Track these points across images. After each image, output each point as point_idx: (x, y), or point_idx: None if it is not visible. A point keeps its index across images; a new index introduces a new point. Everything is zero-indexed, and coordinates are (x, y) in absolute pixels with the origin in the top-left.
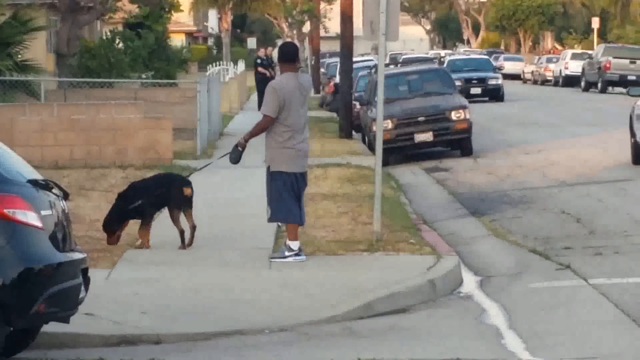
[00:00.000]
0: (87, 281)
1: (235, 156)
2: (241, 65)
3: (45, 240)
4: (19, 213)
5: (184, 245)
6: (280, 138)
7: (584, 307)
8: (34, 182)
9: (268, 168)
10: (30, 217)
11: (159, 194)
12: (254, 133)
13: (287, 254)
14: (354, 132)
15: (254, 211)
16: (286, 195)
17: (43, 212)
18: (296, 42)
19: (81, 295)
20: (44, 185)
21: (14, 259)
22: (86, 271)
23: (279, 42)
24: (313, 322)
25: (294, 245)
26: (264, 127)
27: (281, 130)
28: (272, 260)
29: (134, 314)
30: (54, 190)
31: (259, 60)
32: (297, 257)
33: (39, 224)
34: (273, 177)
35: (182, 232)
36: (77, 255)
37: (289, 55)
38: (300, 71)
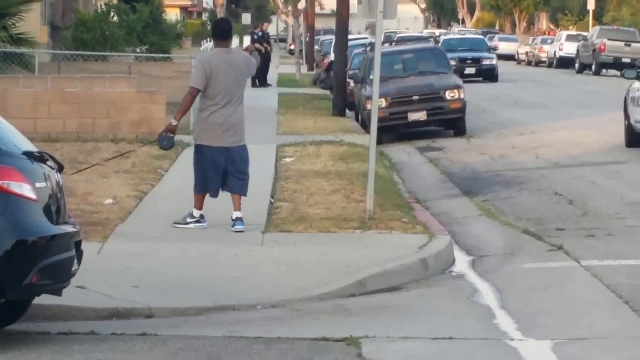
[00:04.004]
0: (80, 254)
1: (167, 142)
2: (235, 40)
3: (39, 212)
4: (13, 185)
5: None
6: (205, 113)
7: (576, 288)
8: (29, 154)
9: (195, 141)
10: (24, 189)
11: None
12: (182, 108)
13: (188, 220)
14: (347, 110)
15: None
16: (201, 167)
17: (37, 184)
18: (290, 18)
19: (74, 268)
20: (39, 158)
21: (8, 231)
22: (79, 244)
23: (274, 18)
24: (305, 299)
25: (196, 212)
26: (189, 99)
27: (207, 105)
28: (175, 225)
29: (126, 288)
30: (48, 163)
31: (255, 37)
32: (198, 224)
33: (33, 196)
34: (195, 150)
35: None
36: (71, 228)
37: (221, 32)
38: (252, 54)
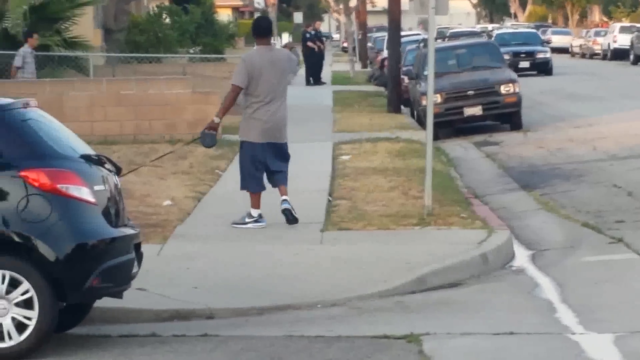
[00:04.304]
0: (139, 256)
1: (209, 139)
2: (285, 37)
3: (99, 215)
4: (72, 188)
5: None
6: (249, 110)
7: (637, 281)
8: (86, 157)
9: (239, 138)
10: (83, 193)
11: None
12: (225, 106)
13: (247, 220)
14: (402, 107)
15: (304, 186)
16: (249, 165)
17: (96, 188)
18: (342, 16)
19: (134, 271)
20: (97, 161)
21: (68, 235)
22: (139, 246)
23: (326, 17)
24: (365, 297)
25: (254, 212)
26: (232, 97)
27: (250, 102)
28: (234, 225)
29: (186, 289)
30: (106, 166)
31: (307, 35)
32: (257, 224)
33: (92, 199)
34: (240, 147)
35: None
36: (130, 231)
37: (261, 30)
38: (292, 51)
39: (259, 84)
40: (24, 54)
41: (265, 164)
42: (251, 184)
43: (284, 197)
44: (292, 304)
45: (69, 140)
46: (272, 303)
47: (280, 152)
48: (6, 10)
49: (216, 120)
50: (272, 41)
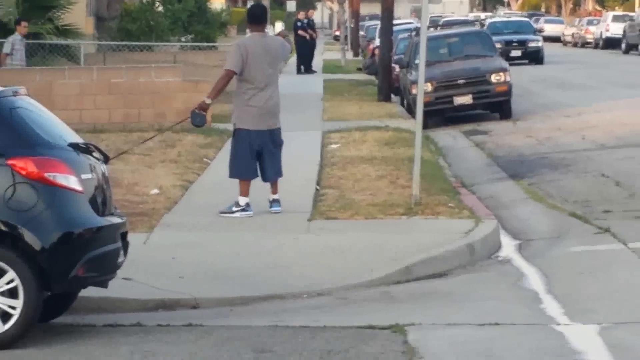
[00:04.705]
0: (126, 245)
1: (199, 119)
2: (278, 26)
3: (86, 204)
4: (59, 177)
5: None
6: (244, 96)
7: (624, 272)
8: (74, 146)
9: (234, 125)
10: (71, 181)
11: None
12: (216, 88)
13: (234, 209)
14: (392, 95)
15: (292, 175)
16: (241, 152)
17: (83, 176)
18: (335, 4)
19: (120, 260)
20: (85, 149)
21: (54, 223)
22: (125, 235)
23: (319, 5)
24: (351, 287)
25: (242, 200)
26: (225, 81)
27: (245, 88)
28: (221, 214)
29: (172, 279)
30: (94, 154)
31: (298, 24)
32: (244, 213)
33: (79, 187)
34: (234, 134)
35: None
36: (117, 220)
37: (256, 17)
38: (286, 39)
39: (253, 70)
40: (13, 41)
41: (259, 151)
42: (243, 170)
43: (275, 197)
44: (278, 293)
45: (58, 128)
46: (258, 293)
47: (274, 138)
48: None
49: (207, 101)
50: (266, 29)
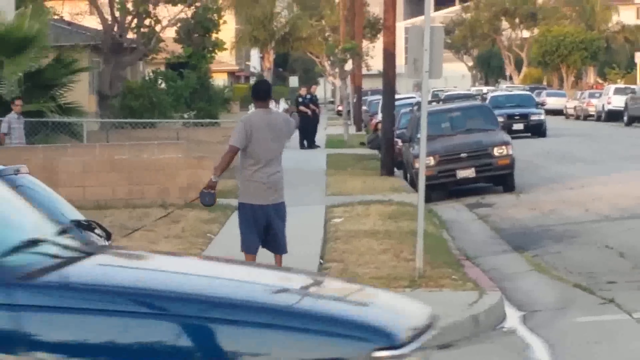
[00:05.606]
0: None
1: (209, 198)
2: (282, 103)
3: None
4: None
5: None
6: (247, 172)
7: (629, 342)
8: (76, 223)
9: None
10: None
11: None
12: (221, 165)
13: None
14: (395, 170)
15: (295, 250)
16: (243, 226)
17: None
18: (338, 80)
19: None
20: (87, 226)
21: None
22: None
23: (322, 80)
24: None
25: None
26: (229, 157)
27: (248, 164)
28: None
29: None
30: (96, 231)
31: (300, 99)
32: None
33: None
34: (239, 209)
35: None
36: None
37: (260, 93)
38: (292, 115)
39: (257, 145)
40: (10, 120)
41: (263, 225)
42: (249, 245)
43: None
44: None
45: (59, 205)
46: None
47: (279, 212)
48: (1, 76)
49: (214, 179)
50: (270, 105)
